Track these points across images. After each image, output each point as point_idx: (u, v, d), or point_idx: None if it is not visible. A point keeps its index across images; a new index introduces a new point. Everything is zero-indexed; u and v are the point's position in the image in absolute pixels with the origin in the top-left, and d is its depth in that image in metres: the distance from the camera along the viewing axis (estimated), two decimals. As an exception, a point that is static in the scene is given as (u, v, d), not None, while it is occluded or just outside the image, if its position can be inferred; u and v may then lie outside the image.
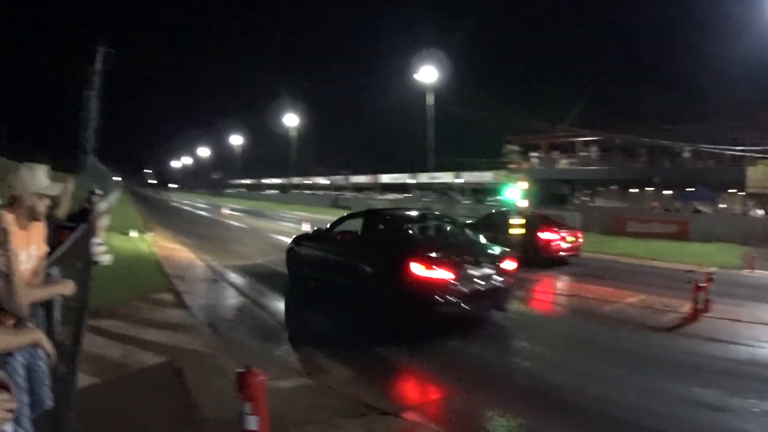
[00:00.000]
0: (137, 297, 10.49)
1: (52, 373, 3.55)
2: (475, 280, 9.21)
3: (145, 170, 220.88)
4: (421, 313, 8.87)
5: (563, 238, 17.80)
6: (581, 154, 49.26)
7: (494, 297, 9.67)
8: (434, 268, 8.77)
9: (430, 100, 51.39)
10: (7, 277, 2.93)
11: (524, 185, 14.51)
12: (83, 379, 5.96)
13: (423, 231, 10.99)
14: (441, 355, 8.01)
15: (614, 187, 46.95)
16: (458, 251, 9.67)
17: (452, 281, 8.83)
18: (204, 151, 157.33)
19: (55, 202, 7.32)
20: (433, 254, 9.01)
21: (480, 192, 57.48)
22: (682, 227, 28.30)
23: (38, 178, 3.65)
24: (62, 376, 3.95)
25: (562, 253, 17.77)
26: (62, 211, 7.71)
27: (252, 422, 4.27)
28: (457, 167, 62.82)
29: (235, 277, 14.07)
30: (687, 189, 35.59)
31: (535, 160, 51.14)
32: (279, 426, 4.90)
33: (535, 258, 16.60)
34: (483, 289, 9.27)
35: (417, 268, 8.76)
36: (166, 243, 21.21)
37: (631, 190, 46.40)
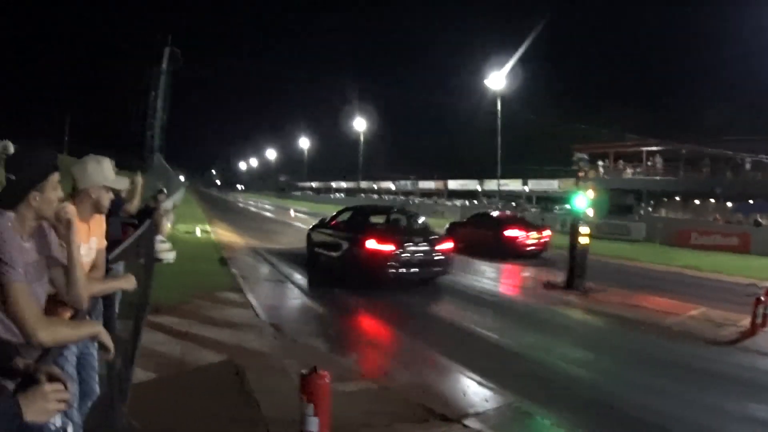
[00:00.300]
0: (200, 295, 10.61)
1: (109, 366, 3.49)
2: (414, 253, 13.21)
3: (211, 171, 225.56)
4: (376, 273, 12.92)
5: (528, 236, 20.78)
6: (647, 164, 48.30)
7: (432, 266, 13.63)
8: (382, 243, 12.89)
9: (498, 106, 51.13)
10: (66, 270, 2.84)
11: (591, 194, 14.17)
12: (139, 374, 6.04)
13: (385, 221, 15.62)
14: (501, 363, 7.96)
15: (677, 199, 45.92)
16: (404, 234, 13.94)
17: (394, 252, 12.87)
18: (271, 153, 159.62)
19: (127, 197, 7.41)
20: (382, 235, 13.40)
21: (546, 200, 56.99)
22: (742, 240, 27.44)
23: (105, 170, 3.61)
24: (118, 370, 3.89)
25: (528, 248, 20.73)
26: (134, 207, 7.82)
27: (313, 424, 4.26)
28: (524, 175, 62.38)
29: (300, 279, 14.15)
30: (748, 201, 34.56)
31: (601, 169, 50.37)
32: (338, 429, 4.85)
33: (502, 252, 19.96)
34: (421, 260, 13.31)
35: (370, 243, 12.93)
36: (229, 241, 21.45)
37: (694, 202, 45.30)
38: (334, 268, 14.46)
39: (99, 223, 3.75)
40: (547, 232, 21.69)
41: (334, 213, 16.74)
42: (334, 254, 14.59)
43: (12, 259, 2.38)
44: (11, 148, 4.28)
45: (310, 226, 17.64)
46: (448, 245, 14.01)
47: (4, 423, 1.57)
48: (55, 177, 2.70)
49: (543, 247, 21.24)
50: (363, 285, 12.73)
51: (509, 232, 20.45)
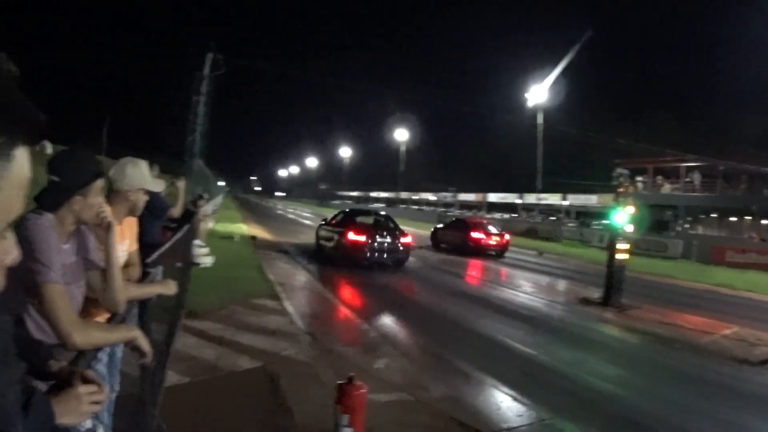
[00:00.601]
0: (237, 300, 10.64)
1: (141, 368, 3.47)
2: (382, 244, 18.49)
3: (251, 177, 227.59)
4: (356, 257, 18.07)
5: (489, 238, 26.21)
6: (685, 180, 47.50)
7: (395, 254, 18.85)
8: (358, 235, 18.25)
9: (539, 119, 50.97)
10: (104, 272, 2.83)
11: (631, 210, 14.04)
12: (172, 377, 6.05)
13: (364, 220, 21.11)
14: (536, 378, 7.93)
15: (714, 215, 45.08)
16: (377, 230, 19.09)
17: (367, 243, 18.15)
18: (312, 161, 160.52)
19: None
20: (360, 230, 18.80)
21: (585, 215, 56.56)
22: (778, 258, 27.20)
23: (144, 173, 3.63)
24: (151, 373, 3.87)
25: (489, 248, 26.09)
26: (177, 211, 7.88)
27: None
28: (563, 189, 62.01)
29: (339, 290, 14.13)
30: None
31: (640, 185, 49.74)
32: None
33: (469, 250, 25.20)
34: (387, 249, 18.57)
35: (350, 235, 18.27)
36: (267, 248, 21.54)
37: (730, 219, 44.41)
38: (331, 254, 19.32)
39: (131, 225, 3.79)
40: (506, 237, 27.18)
41: (334, 214, 22.35)
42: (330, 244, 19.50)
43: (49, 260, 2.38)
44: (49, 148, 4.32)
45: (318, 224, 22.41)
46: (408, 239, 19.37)
47: (36, 425, 1.53)
48: (99, 183, 2.70)
49: (504, 248, 26.71)
50: (348, 266, 17.72)
51: (474, 234, 25.99)
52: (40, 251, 2.34)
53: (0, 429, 0.85)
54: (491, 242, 26.17)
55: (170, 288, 3.81)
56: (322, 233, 20.81)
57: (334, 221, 20.65)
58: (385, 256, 18.39)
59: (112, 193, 3.54)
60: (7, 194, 0.71)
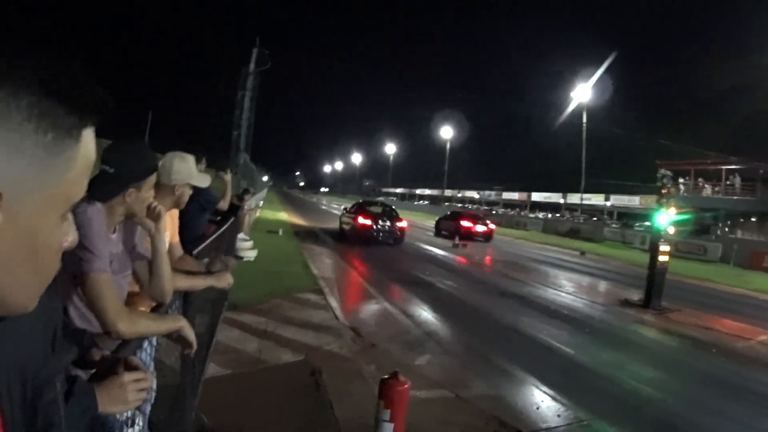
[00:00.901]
0: (280, 294, 10.74)
1: (183, 360, 3.48)
2: (383, 227, 24.19)
3: (295, 172, 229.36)
4: (365, 237, 23.52)
5: (476, 226, 32.38)
6: (726, 183, 46.47)
7: (393, 235, 24.49)
8: (365, 220, 24.10)
9: (584, 119, 50.54)
10: (151, 263, 2.83)
11: (673, 212, 13.88)
12: (213, 369, 6.14)
13: (373, 209, 26.41)
14: (575, 379, 7.89)
15: (753, 219, 44.01)
16: (380, 216, 24.93)
17: (371, 225, 23.90)
18: (356, 157, 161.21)
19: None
20: (367, 216, 24.45)
21: (627, 216, 56.02)
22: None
23: (192, 168, 3.64)
24: (192, 364, 3.89)
25: (477, 236, 32.10)
26: (225, 204, 7.96)
27: (387, 429, 4.24)
28: (606, 189, 61.52)
29: (382, 286, 14.04)
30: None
31: (681, 187, 48.90)
32: None
33: (460, 235, 29.81)
34: (387, 230, 24.26)
35: (360, 219, 24.07)
36: (311, 243, 21.70)
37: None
38: (348, 234, 24.98)
39: (173, 217, 3.81)
40: (492, 226, 33.94)
41: (352, 204, 29.18)
42: (347, 227, 25.36)
43: (97, 248, 2.37)
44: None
45: (341, 212, 28.99)
46: (403, 224, 25.42)
47: (78, 412, 1.52)
48: (153, 177, 2.70)
49: (489, 235, 33.13)
50: (359, 244, 22.98)
51: (464, 223, 32.20)
52: (89, 239, 2.34)
53: (45, 415, 0.84)
54: (478, 230, 32.56)
55: (224, 281, 3.78)
56: (344, 219, 26.91)
57: (351, 209, 26.88)
58: (384, 236, 24.21)
59: (157, 186, 3.55)
60: (74, 174, 0.72)
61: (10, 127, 0.62)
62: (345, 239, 24.75)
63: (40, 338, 0.84)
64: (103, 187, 2.49)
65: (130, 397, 1.80)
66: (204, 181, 3.85)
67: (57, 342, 0.87)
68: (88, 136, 0.72)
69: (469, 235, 31.19)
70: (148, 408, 3.02)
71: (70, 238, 0.76)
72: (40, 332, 0.85)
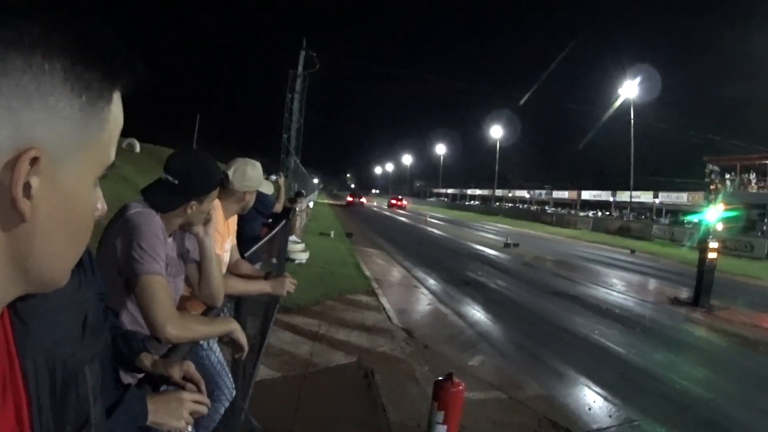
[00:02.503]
0: (332, 296, 10.77)
1: (234, 363, 3.48)
2: (398, 202, 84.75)
3: (346, 174, 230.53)
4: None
5: (399, 202, 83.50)
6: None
7: (400, 207, 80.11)
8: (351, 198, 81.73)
9: (632, 115, 50.01)
10: (202, 266, 2.83)
11: (721, 208, 13.61)
12: (264, 372, 6.20)
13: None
14: (627, 379, 7.81)
15: None
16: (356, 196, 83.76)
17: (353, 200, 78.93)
18: (407, 159, 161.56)
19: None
20: (353, 195, 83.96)
21: (676, 213, 55.14)
22: None
23: (261, 175, 3.71)
24: (242, 367, 3.90)
25: (399, 208, 76.79)
26: (279, 206, 8.04)
27: (441, 431, 4.15)
28: (654, 187, 60.73)
29: (435, 287, 14.01)
30: None
31: (728, 183, 47.78)
32: None
33: (391, 207, 76.65)
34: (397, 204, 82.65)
35: (348, 198, 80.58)
36: (363, 245, 21.73)
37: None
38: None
39: (234, 222, 3.81)
40: (404, 202, 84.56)
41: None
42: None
43: (153, 249, 2.36)
44: (138, 147, 4.42)
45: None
46: (404, 203, 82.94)
47: (125, 420, 1.49)
48: (216, 192, 2.70)
49: (403, 207, 78.70)
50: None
51: (392, 201, 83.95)
52: (146, 241, 2.34)
53: (77, 411, 0.84)
54: (398, 204, 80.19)
55: (283, 288, 3.73)
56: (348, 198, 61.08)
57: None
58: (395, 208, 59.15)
59: (225, 191, 3.56)
60: (107, 137, 0.73)
61: (45, 90, 0.63)
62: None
63: (70, 322, 0.85)
64: (165, 198, 2.48)
65: (185, 414, 1.76)
66: (269, 188, 3.88)
67: (88, 328, 0.86)
68: (118, 99, 0.74)
69: (395, 208, 72.66)
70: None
71: (100, 206, 0.76)
72: (72, 316, 0.85)
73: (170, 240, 2.61)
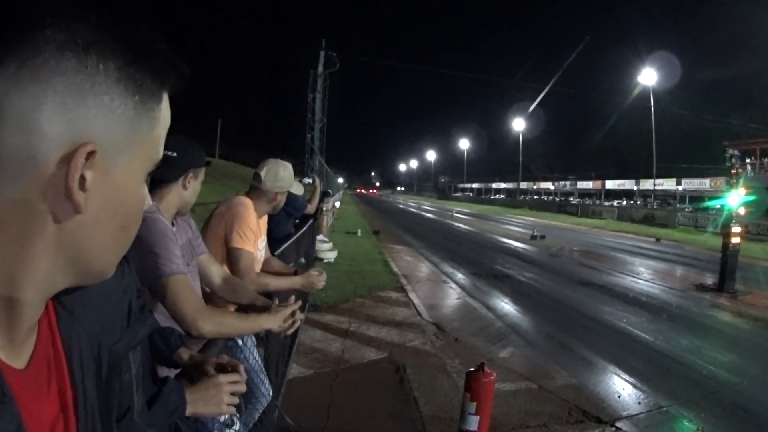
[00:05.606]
0: (361, 293, 10.83)
1: (266, 361, 3.53)
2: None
3: (370, 172, 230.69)
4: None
5: (371, 191, 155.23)
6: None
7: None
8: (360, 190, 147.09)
9: (651, 102, 49.55)
10: (209, 258, 2.91)
11: (743, 192, 13.47)
12: (296, 369, 6.27)
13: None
14: (655, 365, 7.80)
15: None
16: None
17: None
18: (431, 155, 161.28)
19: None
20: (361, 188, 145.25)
21: (699, 199, 54.43)
22: None
23: (292, 176, 3.80)
24: (275, 364, 3.95)
25: (371, 194, 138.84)
26: (312, 208, 8.11)
27: (473, 422, 4.24)
28: (677, 173, 60.05)
29: (463, 281, 14.01)
30: None
31: (749, 167, 47.03)
32: (496, 428, 4.99)
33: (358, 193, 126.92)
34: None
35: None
36: (390, 242, 21.74)
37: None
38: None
39: (265, 221, 3.89)
40: (373, 191, 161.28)
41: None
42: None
43: (168, 250, 2.39)
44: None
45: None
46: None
47: (164, 412, 1.54)
48: (203, 171, 2.77)
49: (375, 193, 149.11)
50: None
51: (362, 191, 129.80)
52: (158, 245, 2.37)
53: (120, 398, 0.87)
54: (369, 192, 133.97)
55: (316, 283, 3.71)
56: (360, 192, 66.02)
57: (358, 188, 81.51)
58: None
59: (257, 191, 3.65)
60: (157, 134, 0.77)
61: (100, 89, 0.66)
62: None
63: (115, 309, 0.87)
64: (167, 169, 2.54)
65: (225, 398, 1.79)
66: (299, 189, 3.95)
67: (132, 315, 0.90)
68: (166, 100, 0.78)
69: (369, 195, 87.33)
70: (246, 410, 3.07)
71: (148, 200, 0.81)
72: (116, 303, 0.88)
73: (175, 229, 2.65)
